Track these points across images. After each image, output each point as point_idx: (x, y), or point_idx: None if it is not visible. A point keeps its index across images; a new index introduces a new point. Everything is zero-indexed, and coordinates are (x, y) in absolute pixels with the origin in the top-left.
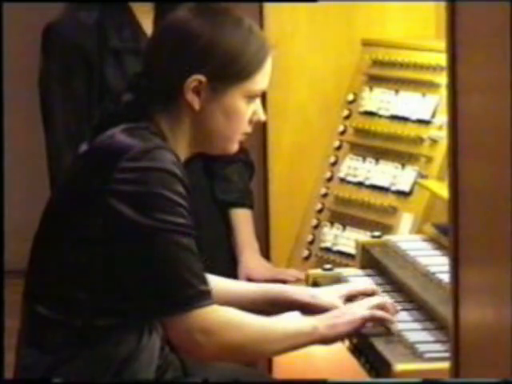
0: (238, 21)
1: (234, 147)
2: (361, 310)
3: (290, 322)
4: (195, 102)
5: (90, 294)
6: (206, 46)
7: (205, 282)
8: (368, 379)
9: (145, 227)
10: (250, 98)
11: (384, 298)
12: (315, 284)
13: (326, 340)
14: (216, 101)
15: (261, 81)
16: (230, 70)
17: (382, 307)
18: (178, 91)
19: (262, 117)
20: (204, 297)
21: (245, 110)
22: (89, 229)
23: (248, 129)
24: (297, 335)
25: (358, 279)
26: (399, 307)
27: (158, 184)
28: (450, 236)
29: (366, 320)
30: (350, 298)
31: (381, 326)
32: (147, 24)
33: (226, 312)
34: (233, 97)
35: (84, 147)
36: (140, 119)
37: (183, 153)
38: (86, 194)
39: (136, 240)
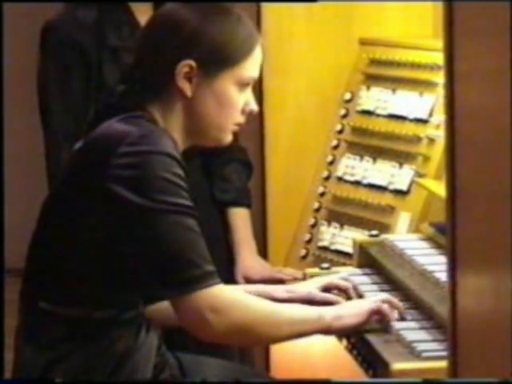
0: (226, 10)
1: (228, 138)
2: (368, 304)
3: (297, 308)
4: (187, 89)
5: (91, 286)
6: (193, 30)
7: (210, 262)
8: (366, 379)
9: (147, 210)
10: (242, 85)
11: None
12: None
13: (331, 330)
14: (207, 87)
15: (251, 68)
16: (220, 55)
17: (389, 303)
18: (169, 78)
19: (254, 107)
20: (211, 276)
21: (237, 98)
22: (90, 218)
23: (241, 119)
24: (303, 321)
25: (356, 278)
26: None
27: (157, 167)
28: (448, 235)
29: (372, 312)
30: (327, 291)
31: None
32: None
33: (233, 292)
34: (224, 83)
35: (80, 143)
36: (134, 109)
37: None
38: (86, 183)
39: (139, 223)
